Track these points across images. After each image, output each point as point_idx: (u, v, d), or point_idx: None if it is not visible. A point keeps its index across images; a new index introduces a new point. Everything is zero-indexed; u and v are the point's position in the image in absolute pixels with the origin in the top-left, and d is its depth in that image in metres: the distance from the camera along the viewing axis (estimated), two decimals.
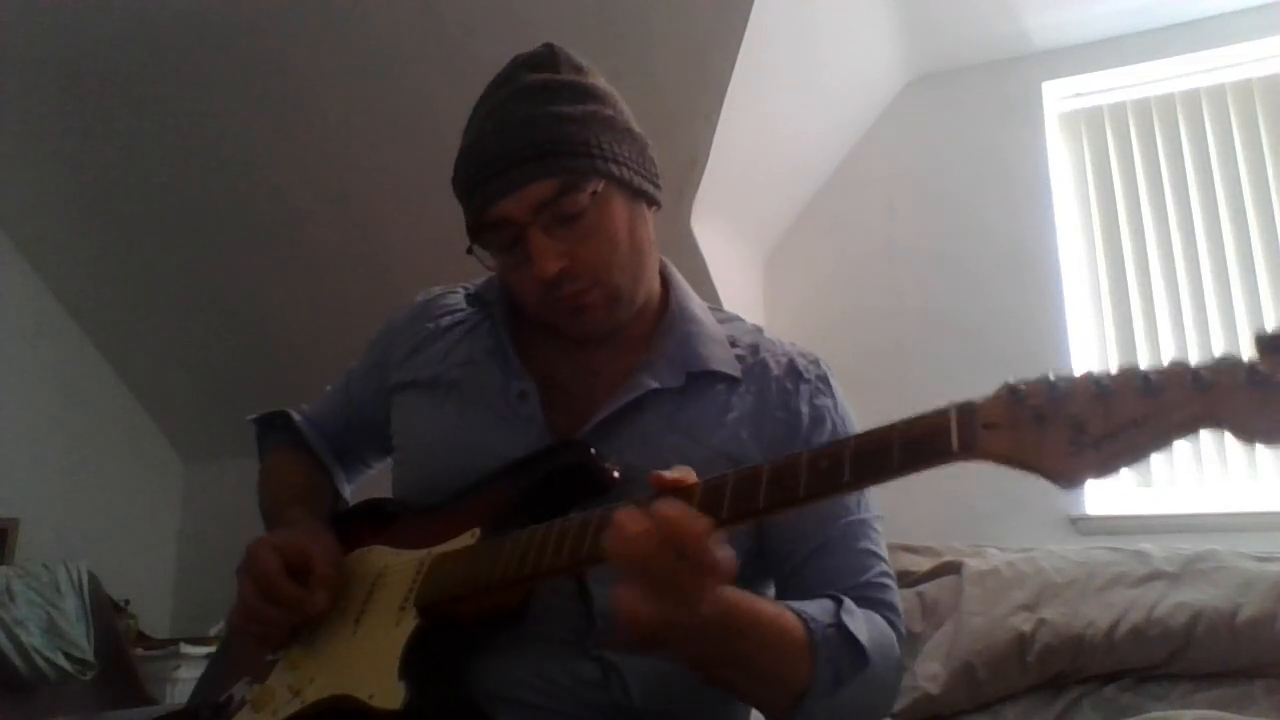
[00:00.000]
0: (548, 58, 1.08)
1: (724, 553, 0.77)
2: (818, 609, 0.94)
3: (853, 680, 0.92)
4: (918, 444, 0.72)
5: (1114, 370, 0.67)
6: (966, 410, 0.71)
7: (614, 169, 1.04)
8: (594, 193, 1.02)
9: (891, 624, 1.01)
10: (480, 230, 1.05)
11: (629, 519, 0.77)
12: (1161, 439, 0.64)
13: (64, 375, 3.52)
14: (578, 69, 1.09)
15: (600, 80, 1.10)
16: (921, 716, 2.03)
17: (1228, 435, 0.63)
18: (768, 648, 0.88)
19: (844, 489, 0.76)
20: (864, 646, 0.93)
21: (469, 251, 1.08)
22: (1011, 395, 0.69)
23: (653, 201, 1.11)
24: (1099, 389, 0.66)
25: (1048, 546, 2.29)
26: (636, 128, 1.09)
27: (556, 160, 1.01)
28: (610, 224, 1.04)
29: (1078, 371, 0.69)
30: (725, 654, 0.86)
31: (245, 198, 3.15)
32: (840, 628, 0.93)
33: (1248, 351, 0.64)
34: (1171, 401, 0.64)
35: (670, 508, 0.76)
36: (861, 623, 0.95)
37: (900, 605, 1.05)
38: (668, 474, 0.82)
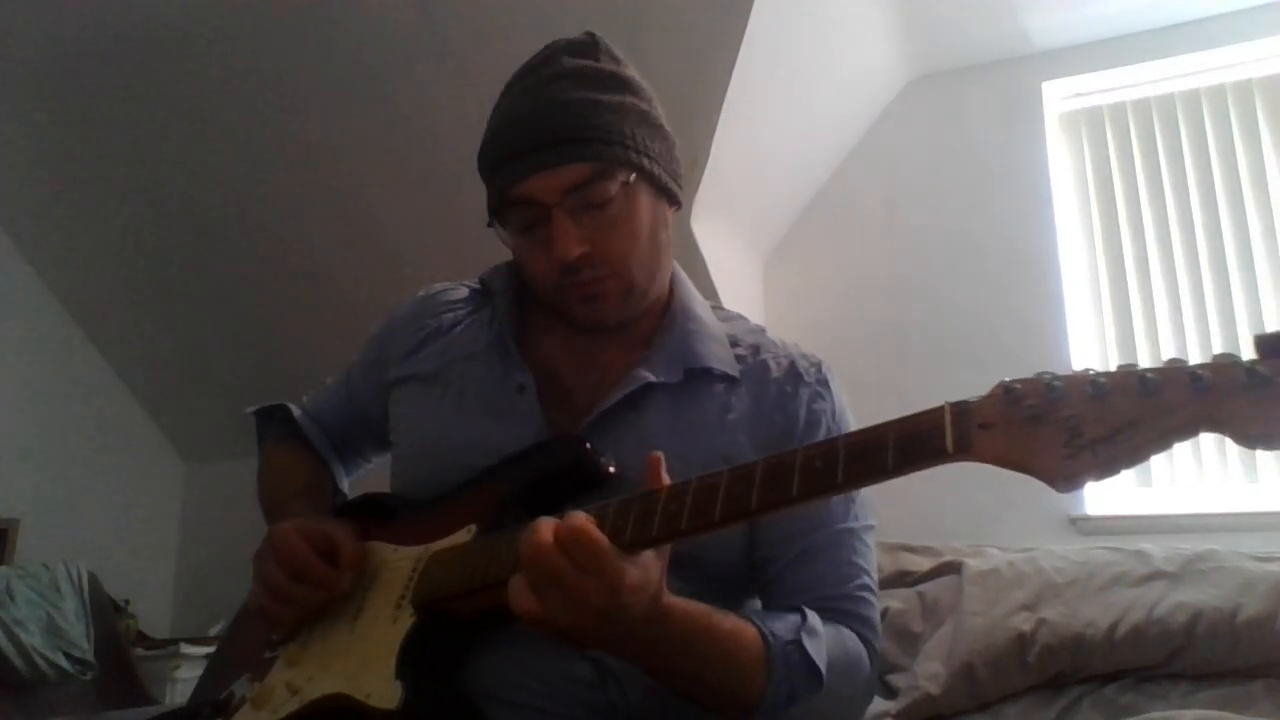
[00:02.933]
0: (589, 45, 1.09)
1: (632, 569, 0.78)
2: (782, 624, 0.94)
3: (806, 699, 0.92)
4: (911, 443, 0.71)
5: (1112, 369, 0.66)
6: (962, 409, 0.70)
7: (645, 163, 1.04)
8: (625, 183, 1.02)
9: (864, 640, 1.01)
10: (503, 207, 1.05)
11: (541, 528, 0.78)
12: (1159, 442, 0.63)
13: (64, 375, 3.52)
14: (617, 60, 1.09)
15: (636, 74, 1.10)
16: (922, 716, 2.03)
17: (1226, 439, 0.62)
18: (718, 660, 0.89)
19: (836, 489, 0.75)
20: (819, 670, 0.92)
21: (489, 226, 1.08)
22: (1007, 395, 0.68)
23: (674, 201, 1.11)
24: (1095, 389, 0.65)
25: (1048, 546, 2.29)
26: (667, 125, 1.10)
27: (591, 146, 1.01)
28: (635, 216, 1.04)
29: (1078, 363, 0.68)
30: (667, 661, 0.87)
31: (244, 198, 3.15)
32: (799, 645, 0.92)
33: (1247, 352, 0.63)
34: (1169, 403, 0.63)
35: (577, 520, 0.78)
36: (822, 643, 0.94)
37: (878, 620, 1.04)
38: (663, 468, 0.83)
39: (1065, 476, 0.65)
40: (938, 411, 0.71)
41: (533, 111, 1.03)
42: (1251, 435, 0.61)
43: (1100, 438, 0.64)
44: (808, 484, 0.75)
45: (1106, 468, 0.64)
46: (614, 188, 1.01)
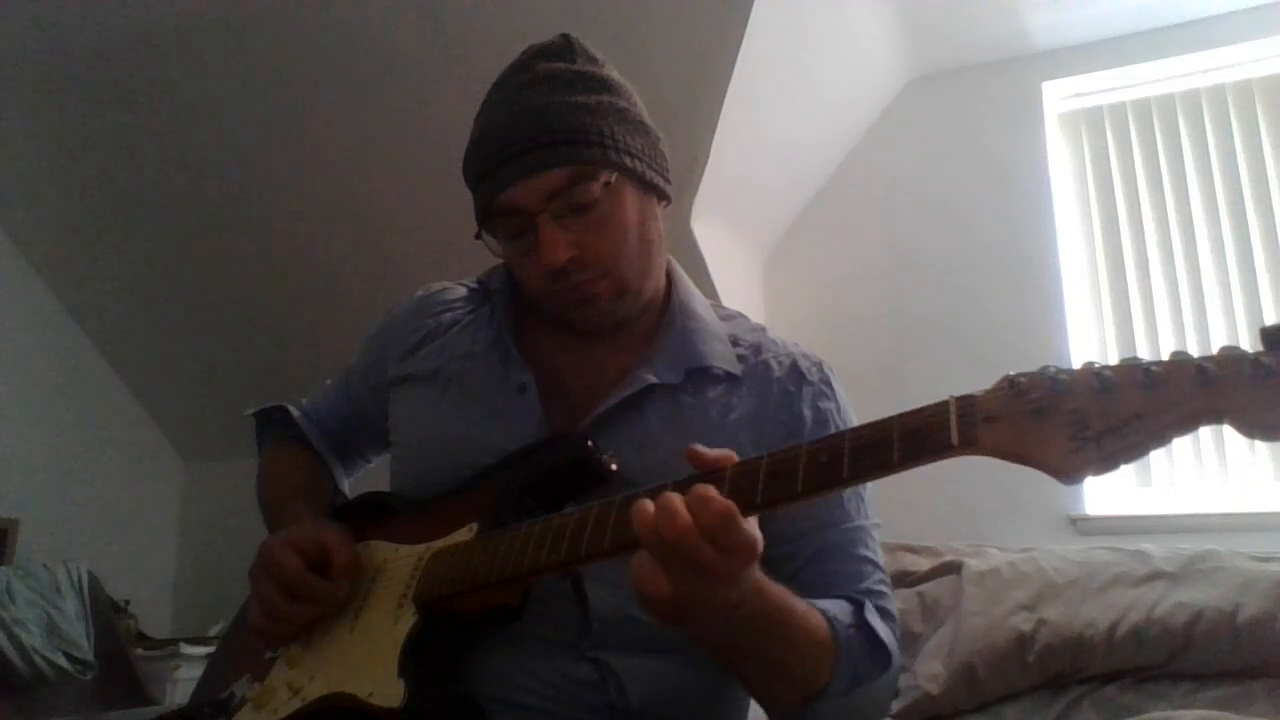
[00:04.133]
0: (564, 47, 1.08)
1: (753, 534, 0.76)
2: (839, 609, 0.94)
3: (869, 682, 0.93)
4: (916, 437, 0.71)
5: (1115, 362, 0.66)
6: (966, 403, 0.70)
7: (627, 160, 1.03)
8: (606, 183, 1.01)
9: (891, 631, 1.02)
10: (489, 216, 1.05)
11: (677, 510, 0.75)
12: (1164, 434, 0.63)
13: (64, 375, 3.52)
14: (593, 60, 1.09)
15: (615, 72, 1.10)
16: (922, 716, 2.03)
17: (1228, 429, 0.62)
18: (794, 643, 0.88)
19: (842, 484, 0.75)
20: (888, 648, 0.94)
21: (477, 237, 1.08)
22: (1011, 388, 0.69)
23: (663, 196, 1.10)
24: (1100, 382, 0.65)
25: (1048, 546, 2.29)
26: (649, 121, 1.09)
27: (569, 149, 1.00)
28: (621, 215, 1.03)
29: (1078, 364, 0.68)
30: (749, 642, 0.86)
31: (245, 198, 3.15)
32: (863, 628, 0.93)
33: (1251, 344, 0.63)
34: (1174, 395, 0.63)
35: (707, 492, 0.75)
36: (882, 624, 0.96)
37: (896, 612, 1.05)
38: (708, 452, 0.82)
39: (1070, 469, 0.64)
40: (942, 405, 0.71)
41: (508, 120, 1.02)
42: (1255, 425, 0.61)
43: (1105, 430, 0.64)
44: (812, 479, 0.75)
45: (1111, 460, 0.64)
46: (596, 189, 1.00)
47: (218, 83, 2.85)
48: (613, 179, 1.02)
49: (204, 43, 2.75)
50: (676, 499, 0.75)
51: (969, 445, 0.68)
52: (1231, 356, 0.63)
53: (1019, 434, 0.67)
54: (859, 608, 0.95)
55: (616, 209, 1.03)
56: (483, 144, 1.04)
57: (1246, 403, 0.61)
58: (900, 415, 0.73)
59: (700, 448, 0.82)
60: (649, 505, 0.76)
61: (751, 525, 0.77)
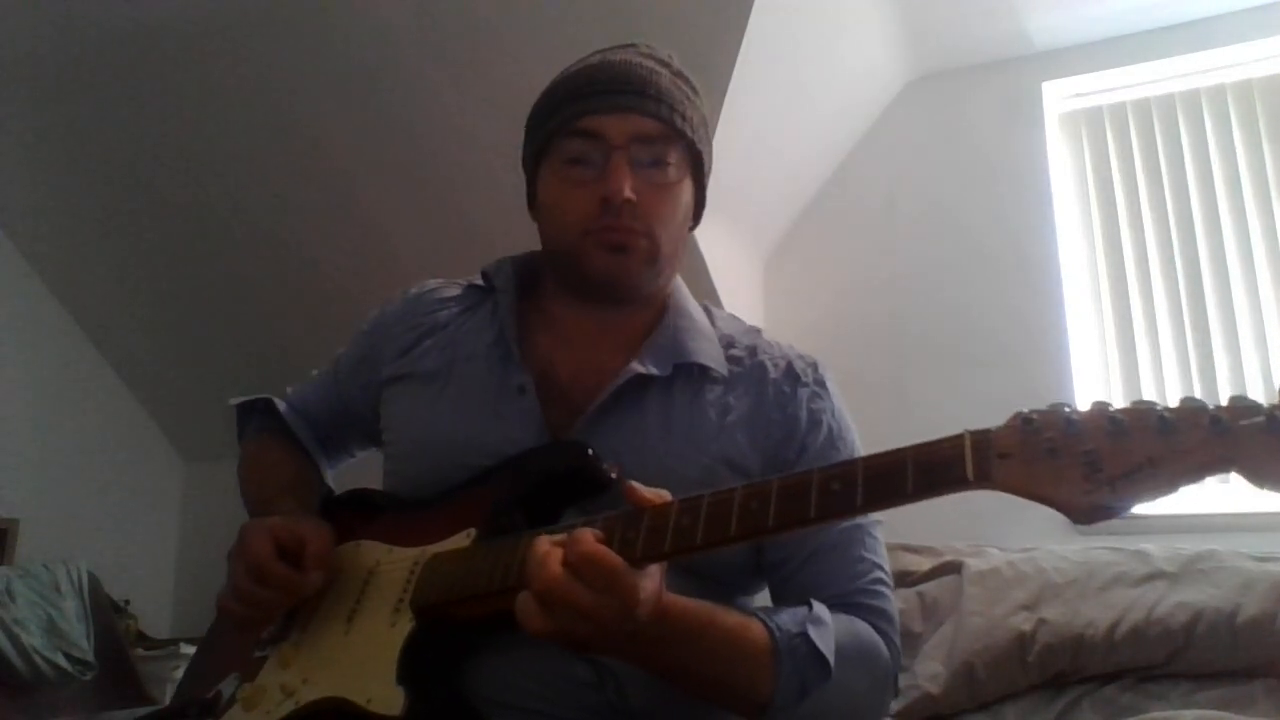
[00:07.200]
0: (658, 52, 1.13)
1: (644, 582, 0.79)
2: (789, 617, 0.93)
3: (819, 691, 0.91)
4: (931, 470, 0.72)
5: (1129, 405, 0.68)
6: (981, 437, 0.71)
7: (703, 157, 1.11)
8: (677, 164, 1.07)
9: (881, 632, 1.00)
10: (558, 139, 1.07)
11: (549, 556, 0.78)
12: (1176, 481, 0.64)
13: (64, 375, 3.52)
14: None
15: None
16: (922, 716, 2.03)
17: (1238, 477, 0.64)
18: (723, 655, 0.89)
19: (855, 511, 0.76)
20: (827, 660, 0.92)
21: (531, 201, 1.13)
22: (1026, 426, 0.69)
23: (696, 220, 1.16)
24: (1114, 426, 0.66)
25: (1048, 546, 2.29)
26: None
27: (669, 110, 1.05)
28: (679, 193, 1.09)
29: (1091, 404, 0.69)
30: (672, 660, 0.87)
31: (245, 198, 3.15)
32: (805, 637, 0.92)
33: (1248, 355, 0.64)
34: (1187, 443, 0.64)
35: (587, 545, 0.78)
36: (829, 632, 0.94)
37: (895, 613, 1.04)
38: (647, 492, 0.83)
39: (1084, 509, 0.66)
40: (957, 439, 0.72)
41: (615, 68, 1.07)
42: (1266, 477, 0.62)
43: (1119, 474, 0.65)
44: (825, 505, 0.76)
45: (1125, 503, 0.65)
46: (675, 154, 1.06)
47: (217, 84, 2.85)
48: (685, 162, 1.08)
49: (206, 45, 2.75)
50: (551, 548, 0.79)
51: (984, 481, 0.70)
52: (1245, 407, 0.64)
53: (1033, 472, 0.68)
54: (809, 614, 0.94)
55: (679, 185, 1.08)
56: (582, 75, 1.09)
57: (1258, 454, 0.62)
58: (913, 446, 0.74)
59: (639, 487, 0.84)
60: (532, 554, 0.80)
61: (649, 573, 0.80)
